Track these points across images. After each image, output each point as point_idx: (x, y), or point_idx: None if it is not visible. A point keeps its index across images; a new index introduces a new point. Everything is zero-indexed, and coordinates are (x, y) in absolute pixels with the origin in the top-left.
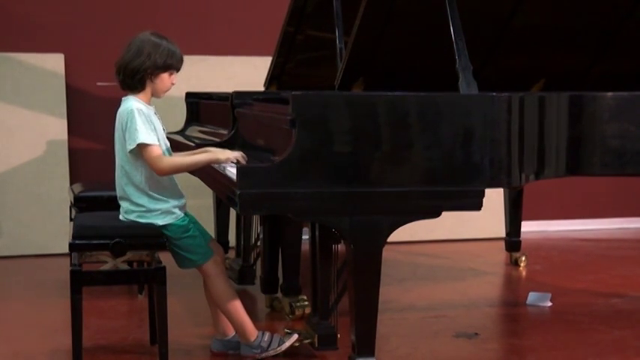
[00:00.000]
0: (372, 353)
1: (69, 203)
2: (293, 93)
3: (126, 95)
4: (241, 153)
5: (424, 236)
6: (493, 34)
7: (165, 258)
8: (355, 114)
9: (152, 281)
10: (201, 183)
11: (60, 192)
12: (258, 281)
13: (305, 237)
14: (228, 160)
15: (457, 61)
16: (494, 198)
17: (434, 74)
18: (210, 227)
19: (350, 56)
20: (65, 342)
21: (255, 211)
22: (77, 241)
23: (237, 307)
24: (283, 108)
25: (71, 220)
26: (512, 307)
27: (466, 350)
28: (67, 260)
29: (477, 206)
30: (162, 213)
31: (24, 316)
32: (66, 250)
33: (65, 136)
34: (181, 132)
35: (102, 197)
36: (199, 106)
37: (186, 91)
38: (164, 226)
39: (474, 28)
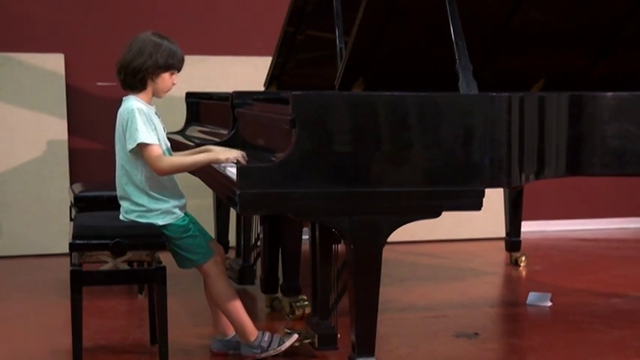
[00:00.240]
0: (372, 353)
1: (69, 203)
2: (293, 93)
3: (126, 95)
4: (241, 153)
5: (424, 236)
6: (493, 34)
7: (166, 258)
8: (355, 114)
9: (152, 281)
10: (202, 183)
11: (60, 192)
12: (258, 281)
13: (305, 237)
14: (229, 160)
15: (457, 61)
16: (494, 198)
17: (434, 74)
18: (210, 227)
19: (350, 56)
20: (65, 342)
21: (255, 211)
22: (77, 241)
23: (238, 307)
24: (283, 108)
25: (71, 220)
26: (512, 307)
27: (466, 350)
28: (67, 260)
29: (477, 206)
30: (163, 213)
31: (24, 315)
32: (66, 250)
33: (65, 136)
34: (181, 132)
35: (102, 197)
36: (199, 106)
37: (186, 91)
38: (164, 226)
39: (474, 27)
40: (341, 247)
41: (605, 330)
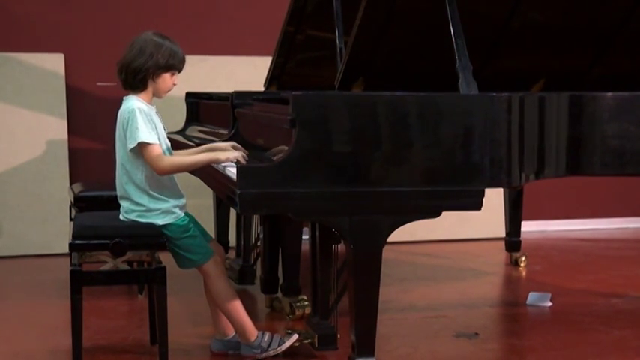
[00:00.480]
0: (372, 353)
1: (69, 203)
2: (293, 93)
3: (127, 95)
4: (241, 153)
5: (424, 236)
6: (493, 34)
7: (166, 258)
8: (355, 114)
9: (152, 281)
10: (202, 183)
11: (60, 192)
12: (258, 281)
13: (305, 237)
14: (229, 160)
15: (457, 61)
16: (494, 198)
17: (434, 74)
18: (210, 227)
19: (350, 56)
20: (65, 342)
21: (255, 211)
22: (77, 241)
23: (238, 307)
24: (283, 108)
25: (71, 220)
26: (512, 307)
27: (466, 350)
28: (67, 260)
29: (477, 206)
30: (163, 213)
31: (24, 315)
32: (66, 250)
33: (65, 136)
34: (181, 132)
35: (102, 197)
36: (199, 106)
37: (186, 90)
38: (164, 226)
39: (473, 27)
40: (341, 247)
41: (605, 330)
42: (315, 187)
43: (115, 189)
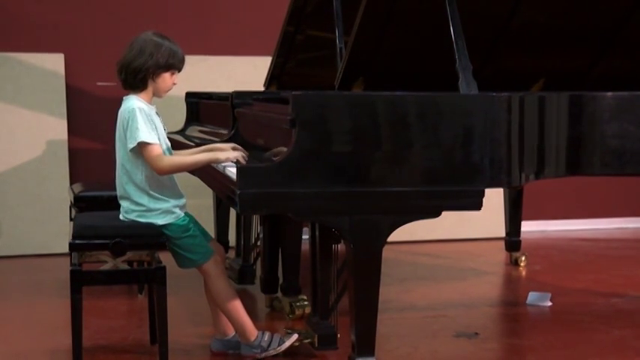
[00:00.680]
0: (372, 353)
1: (69, 203)
2: (293, 93)
3: (127, 94)
4: (241, 153)
5: (424, 236)
6: (493, 33)
7: (166, 258)
8: (355, 114)
9: (152, 281)
10: (201, 183)
11: (60, 192)
12: (258, 281)
13: (305, 237)
14: (229, 159)
15: (457, 60)
16: (494, 198)
17: (434, 74)
18: (210, 227)
19: (350, 56)
20: (65, 342)
21: (255, 211)
22: (77, 241)
23: (238, 306)
24: (283, 108)
25: (71, 219)
26: (512, 306)
27: (466, 350)
28: (67, 260)
29: (477, 206)
30: (163, 212)
31: (24, 315)
32: (66, 249)
33: (65, 135)
34: (181, 132)
35: (102, 197)
36: (199, 105)
37: (186, 90)
38: (164, 226)
39: (473, 27)
40: (341, 246)
41: (605, 330)
42: (315, 186)
43: (114, 189)
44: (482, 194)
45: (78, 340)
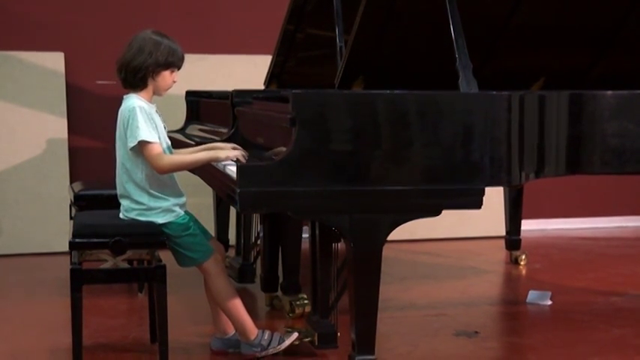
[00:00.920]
0: (372, 351)
1: (69, 202)
2: (293, 91)
3: (127, 93)
4: (241, 152)
5: (424, 234)
6: (493, 32)
7: (166, 256)
8: (355, 112)
9: (152, 280)
10: (202, 181)
11: (60, 190)
12: (258, 280)
13: (305, 235)
14: (229, 158)
15: (457, 59)
16: (495, 196)
17: (434, 73)
18: (210, 226)
19: (350, 54)
20: (65, 340)
21: (255, 210)
22: (77, 240)
23: (238, 305)
24: (283, 106)
25: (71, 218)
26: (512, 305)
27: (466, 349)
28: (67, 259)
29: (477, 205)
30: (163, 211)
31: (24, 314)
32: (66, 248)
33: (65, 134)
34: (181, 130)
35: (102, 196)
36: (199, 104)
37: (186, 89)
38: (164, 225)
39: (474, 26)
40: (341, 245)
41: (605, 328)
42: (315, 185)
43: (114, 187)
44: (483, 193)
45: (78, 339)
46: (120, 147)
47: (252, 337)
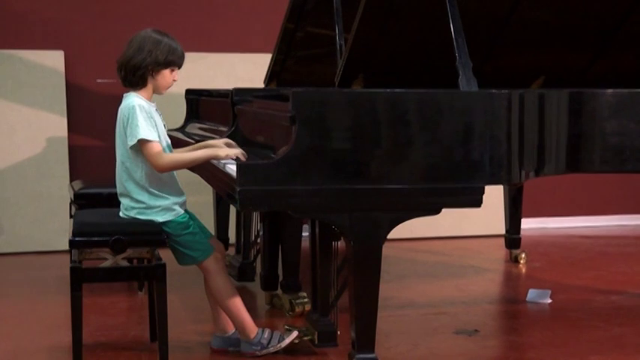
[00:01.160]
0: (371, 350)
1: (69, 200)
2: (293, 90)
3: (127, 92)
4: (241, 150)
5: (424, 233)
6: (493, 31)
7: (166, 255)
8: (355, 111)
9: (152, 278)
10: (201, 180)
11: (60, 189)
12: (258, 278)
13: (305, 234)
14: (228, 157)
15: (457, 58)
16: (494, 195)
17: (434, 71)
18: (210, 224)
19: (350, 53)
20: (65, 339)
21: (255, 208)
22: (77, 238)
23: (238, 304)
24: (283, 105)
25: (71, 217)
26: (511, 304)
27: (466, 347)
28: (67, 257)
29: (477, 203)
30: (163, 210)
31: (24, 312)
32: (66, 247)
33: (65, 133)
34: (181, 129)
35: (102, 194)
36: (199, 102)
37: (186, 87)
38: (164, 223)
39: (474, 24)
40: (341, 243)
41: (604, 327)
42: (315, 183)
43: (114, 186)
44: (482, 191)
45: (78, 337)
46: (119, 145)
47: (252, 335)
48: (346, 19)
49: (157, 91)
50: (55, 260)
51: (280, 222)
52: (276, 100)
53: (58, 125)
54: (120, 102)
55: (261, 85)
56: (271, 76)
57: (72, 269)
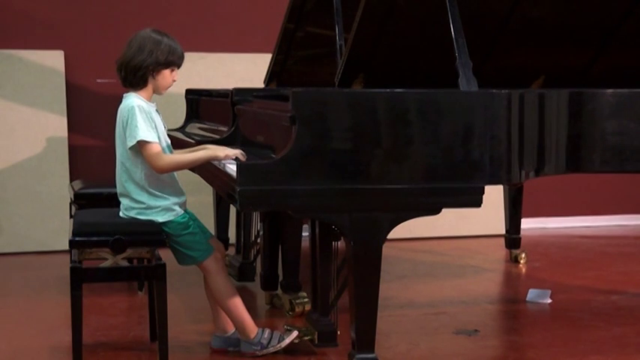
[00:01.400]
0: (371, 350)
1: (69, 200)
2: (293, 90)
3: (127, 92)
4: (240, 150)
5: (424, 233)
6: (493, 30)
7: (166, 255)
8: (355, 111)
9: (152, 278)
10: (202, 180)
11: (60, 189)
12: (258, 278)
13: (305, 234)
14: (228, 157)
15: (457, 57)
16: (494, 195)
17: (434, 71)
18: (210, 224)
19: (350, 53)
20: (65, 339)
21: (255, 208)
22: (77, 238)
23: (238, 304)
24: (283, 105)
25: (71, 217)
26: (511, 303)
27: (466, 347)
28: (67, 257)
29: (477, 203)
30: (163, 210)
31: (24, 312)
32: (66, 247)
33: (65, 133)
34: (181, 129)
35: (102, 194)
36: (199, 103)
37: (186, 87)
38: (164, 223)
39: (474, 24)
40: (341, 243)
41: (604, 327)
42: (315, 184)
43: (114, 186)
44: (482, 191)
45: (78, 337)
46: (119, 146)
47: (252, 335)
48: (346, 19)
49: (157, 91)
50: (55, 260)
51: (280, 222)
52: (276, 100)
53: (58, 125)
54: (120, 102)
55: (261, 85)
56: (271, 76)
57: (72, 269)
